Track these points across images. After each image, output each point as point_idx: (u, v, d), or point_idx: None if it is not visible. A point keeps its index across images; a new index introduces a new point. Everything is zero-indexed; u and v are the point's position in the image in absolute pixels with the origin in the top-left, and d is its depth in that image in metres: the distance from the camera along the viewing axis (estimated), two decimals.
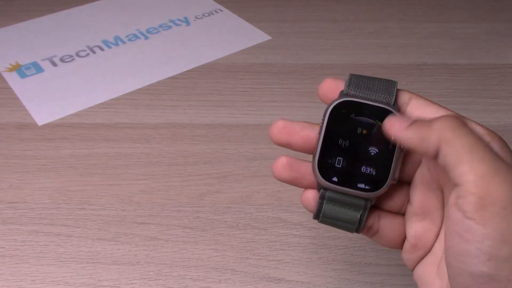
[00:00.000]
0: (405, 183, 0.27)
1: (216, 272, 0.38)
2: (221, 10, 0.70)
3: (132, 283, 0.37)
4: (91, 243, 0.39)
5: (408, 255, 0.27)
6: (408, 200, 0.27)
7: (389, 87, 0.26)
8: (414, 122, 0.24)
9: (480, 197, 0.20)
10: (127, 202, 0.43)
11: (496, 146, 0.24)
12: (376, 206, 0.27)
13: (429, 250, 0.27)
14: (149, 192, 0.44)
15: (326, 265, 0.38)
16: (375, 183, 0.26)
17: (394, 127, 0.24)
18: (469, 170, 0.21)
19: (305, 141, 0.27)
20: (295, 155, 0.28)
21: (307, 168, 0.27)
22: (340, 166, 0.26)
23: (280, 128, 0.28)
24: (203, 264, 0.38)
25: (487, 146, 0.22)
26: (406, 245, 0.27)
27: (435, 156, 0.23)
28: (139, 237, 0.40)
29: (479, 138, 0.22)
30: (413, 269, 0.28)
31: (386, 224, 0.28)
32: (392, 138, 0.25)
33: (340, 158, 0.26)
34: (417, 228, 0.27)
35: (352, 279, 0.37)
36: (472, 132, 0.22)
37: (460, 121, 0.23)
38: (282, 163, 0.28)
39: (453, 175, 0.22)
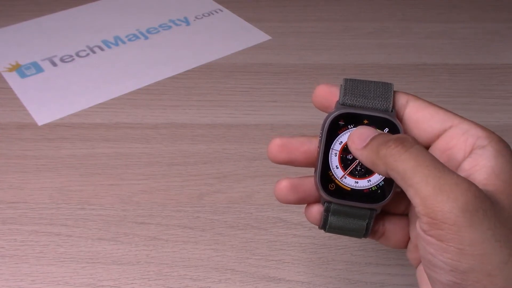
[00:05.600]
0: None
1: (216, 272, 0.38)
2: (221, 10, 0.70)
3: (132, 283, 0.37)
4: (91, 243, 0.39)
5: (411, 254, 0.28)
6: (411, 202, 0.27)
7: (385, 92, 0.26)
8: (370, 142, 0.24)
9: (430, 217, 0.21)
10: (127, 202, 0.43)
11: (494, 147, 0.23)
12: (381, 211, 0.27)
13: None
14: (149, 192, 0.44)
15: (326, 265, 0.38)
16: (380, 193, 0.26)
17: (353, 145, 0.25)
18: (415, 193, 0.21)
19: (307, 156, 0.27)
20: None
21: (310, 184, 0.27)
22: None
23: (278, 147, 0.27)
24: (203, 264, 0.38)
25: (432, 164, 0.22)
26: (410, 245, 0.28)
27: (388, 177, 0.24)
28: (139, 237, 0.40)
29: (424, 159, 0.22)
30: (416, 268, 0.28)
31: (391, 226, 0.28)
32: (355, 156, 0.25)
33: (342, 171, 0.26)
34: None
35: (352, 279, 0.37)
36: (416, 153, 0.22)
37: (403, 147, 0.23)
38: (285, 186, 0.27)
39: (409, 197, 0.22)
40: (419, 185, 0.21)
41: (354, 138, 0.25)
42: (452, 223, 0.20)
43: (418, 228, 0.22)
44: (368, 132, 0.24)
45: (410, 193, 0.22)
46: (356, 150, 0.24)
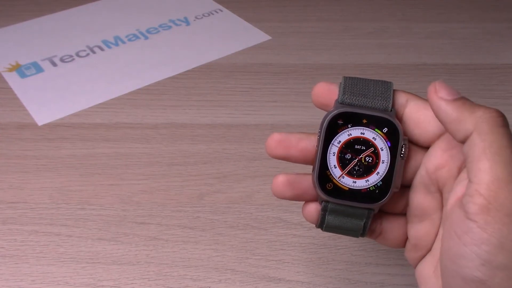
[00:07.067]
0: (405, 186, 0.27)
1: (216, 272, 0.38)
2: (221, 10, 0.70)
3: (132, 283, 0.37)
4: (91, 243, 0.39)
5: (410, 254, 0.28)
6: (409, 202, 0.27)
7: (385, 91, 0.26)
8: (460, 99, 0.23)
9: (487, 200, 0.20)
10: (127, 202, 0.43)
11: None
12: (378, 210, 0.27)
13: (430, 250, 0.27)
14: (149, 192, 0.44)
15: (326, 265, 0.38)
16: (377, 193, 0.26)
17: (439, 93, 0.24)
18: (488, 169, 0.21)
19: (303, 153, 0.27)
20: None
21: (308, 182, 0.27)
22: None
23: (276, 142, 0.27)
24: (203, 264, 0.38)
25: None
26: (408, 245, 0.28)
27: (462, 141, 0.22)
28: (139, 237, 0.40)
29: None
30: (415, 267, 0.28)
31: (388, 226, 0.28)
32: (431, 102, 0.24)
33: (340, 170, 0.26)
34: (417, 229, 0.27)
35: (352, 279, 0.37)
36: (509, 135, 0.22)
37: (503, 120, 0.22)
38: (281, 181, 0.27)
39: (471, 168, 0.21)
40: (499, 164, 0.20)
41: (440, 87, 0.24)
42: (507, 213, 0.20)
43: (458, 211, 0.21)
44: (454, 90, 0.24)
45: (484, 166, 0.21)
46: (442, 99, 0.23)
